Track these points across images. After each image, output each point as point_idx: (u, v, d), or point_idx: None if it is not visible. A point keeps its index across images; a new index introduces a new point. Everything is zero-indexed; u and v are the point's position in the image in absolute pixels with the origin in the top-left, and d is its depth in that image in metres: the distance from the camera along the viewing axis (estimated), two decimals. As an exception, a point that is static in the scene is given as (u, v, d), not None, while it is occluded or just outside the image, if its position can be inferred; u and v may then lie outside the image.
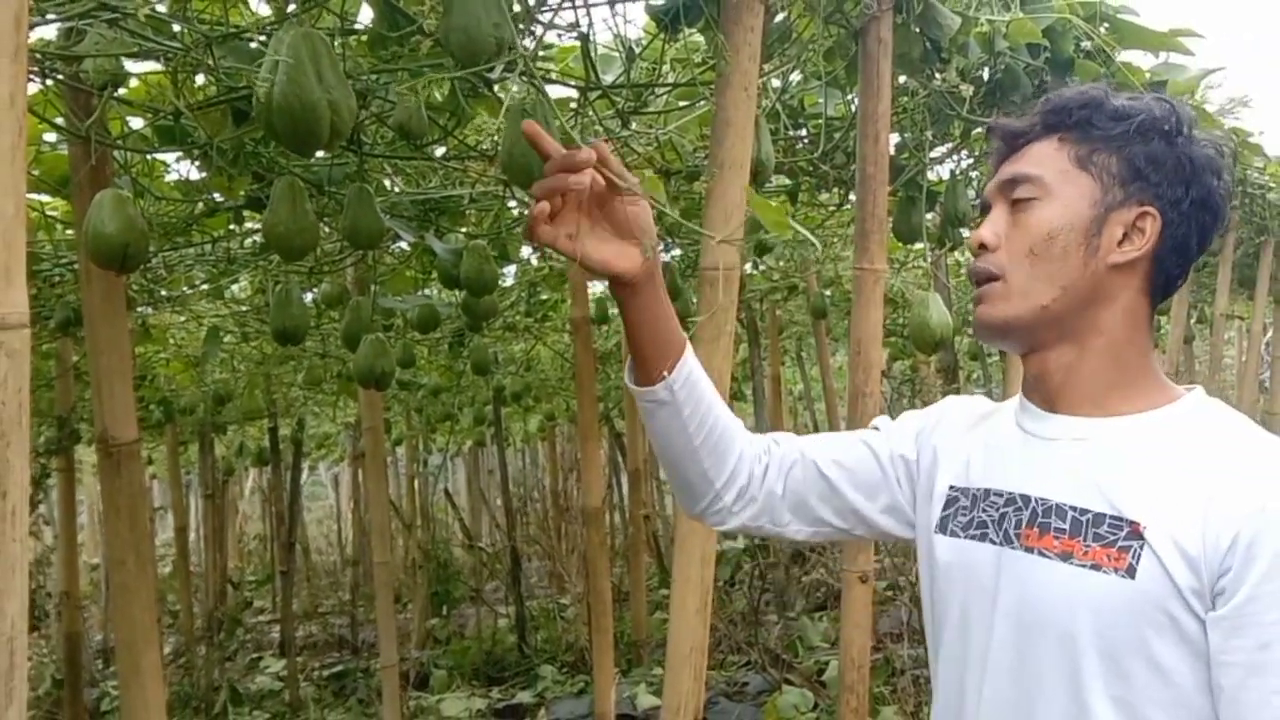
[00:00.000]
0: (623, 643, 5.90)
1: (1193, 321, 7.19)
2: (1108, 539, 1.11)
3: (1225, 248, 5.60)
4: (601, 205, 1.25)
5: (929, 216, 3.20)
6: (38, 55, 1.75)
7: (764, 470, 1.43)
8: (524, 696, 5.84)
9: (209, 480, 7.37)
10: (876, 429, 1.49)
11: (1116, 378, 1.21)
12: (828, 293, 6.47)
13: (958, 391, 7.07)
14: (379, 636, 4.53)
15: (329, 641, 8.13)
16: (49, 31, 1.85)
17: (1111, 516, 1.11)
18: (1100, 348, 1.21)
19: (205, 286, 3.42)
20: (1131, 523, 1.10)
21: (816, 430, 9.53)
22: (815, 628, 5.77)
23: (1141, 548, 1.08)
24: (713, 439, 1.39)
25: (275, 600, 8.70)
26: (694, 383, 1.35)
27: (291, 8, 1.40)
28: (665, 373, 1.32)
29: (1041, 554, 1.16)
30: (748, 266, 5.19)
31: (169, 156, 2.37)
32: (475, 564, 8.82)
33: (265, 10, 1.77)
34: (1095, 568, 1.10)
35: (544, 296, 5.05)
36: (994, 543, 1.22)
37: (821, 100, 2.87)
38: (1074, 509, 1.15)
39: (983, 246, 1.25)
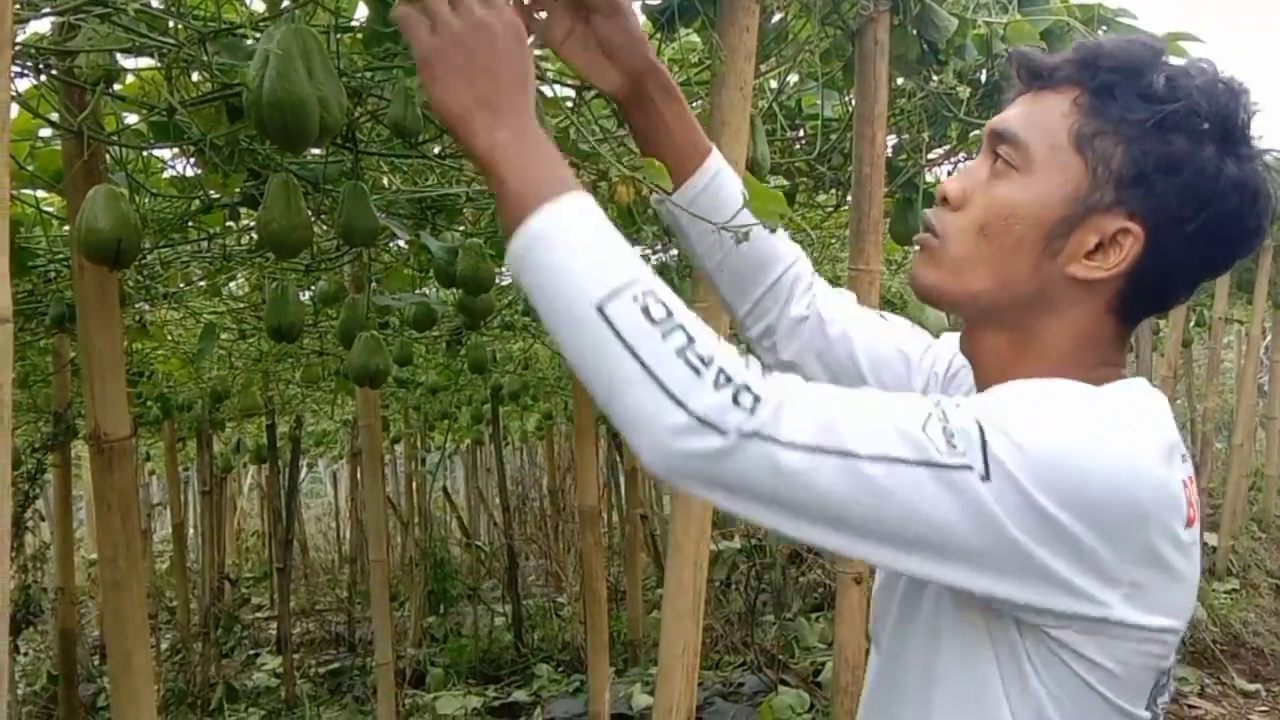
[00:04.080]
0: (619, 642, 5.90)
1: (1191, 325, 7.18)
2: None
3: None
4: (587, 19, 1.21)
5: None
6: (31, 50, 1.75)
7: (794, 327, 1.33)
8: (520, 695, 5.83)
9: (207, 477, 7.37)
10: (911, 345, 1.34)
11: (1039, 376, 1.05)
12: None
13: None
14: (375, 634, 4.53)
15: (326, 639, 8.13)
16: (43, 26, 1.85)
17: None
18: (1037, 355, 1.08)
19: (202, 283, 3.41)
20: None
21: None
22: (812, 629, 5.77)
23: None
24: (728, 266, 1.32)
25: (272, 597, 8.69)
26: (705, 201, 1.28)
27: (285, 4, 1.40)
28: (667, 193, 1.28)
29: None
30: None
31: (164, 153, 2.36)
32: (472, 562, 8.81)
33: (260, 6, 1.76)
34: None
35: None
36: None
37: (818, 101, 2.87)
38: None
39: (945, 200, 1.11)
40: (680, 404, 0.89)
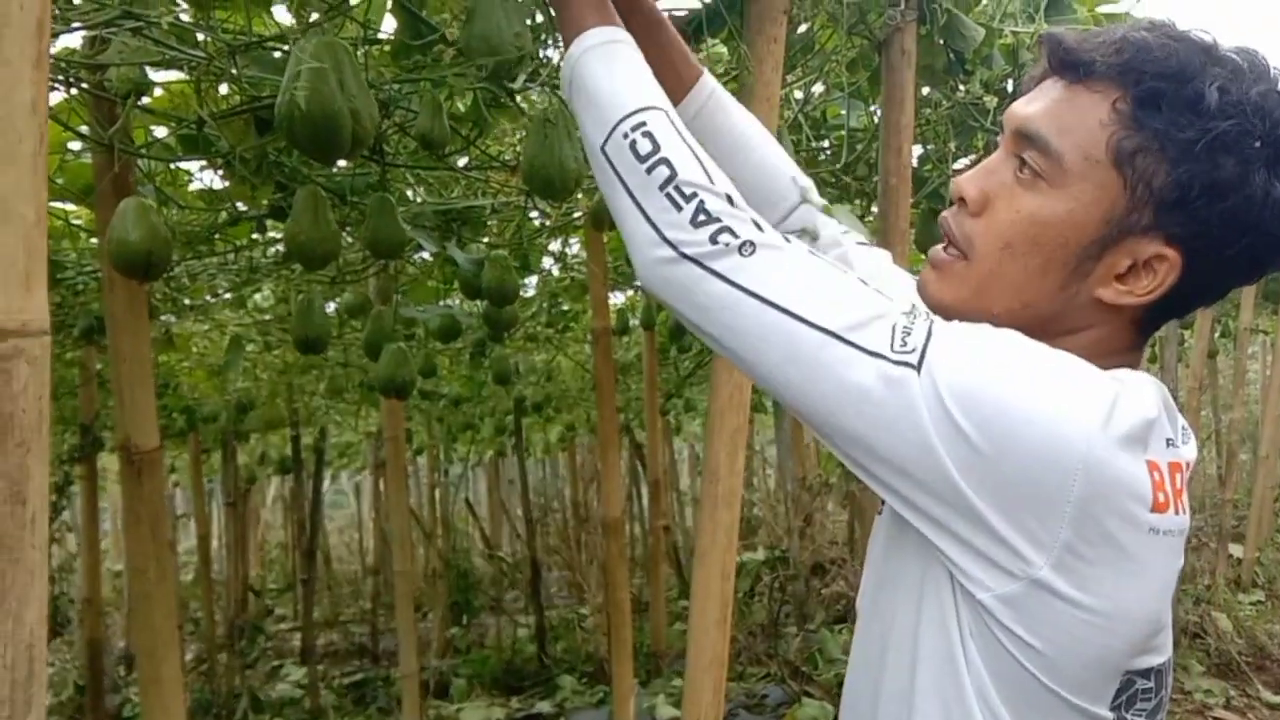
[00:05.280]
0: (642, 653, 5.88)
1: (1216, 335, 7.11)
2: None
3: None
4: None
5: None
6: (62, 64, 1.77)
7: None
8: (543, 706, 5.82)
9: (231, 488, 7.40)
10: None
11: None
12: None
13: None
14: (399, 645, 4.53)
15: (349, 650, 8.14)
16: (74, 40, 1.87)
17: None
18: None
19: (228, 295, 3.43)
20: None
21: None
22: (835, 640, 5.73)
23: None
24: (761, 157, 1.34)
25: (296, 608, 8.71)
26: (703, 124, 1.30)
27: (315, 17, 1.41)
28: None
29: None
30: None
31: (192, 165, 2.38)
32: (495, 573, 8.81)
33: (288, 19, 1.78)
34: None
35: (565, 307, 5.05)
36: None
37: (844, 111, 2.86)
38: None
39: (962, 201, 1.03)
40: (660, 233, 0.99)
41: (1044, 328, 0.98)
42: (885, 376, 0.90)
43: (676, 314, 1.02)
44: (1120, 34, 0.95)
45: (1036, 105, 0.99)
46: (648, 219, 1.00)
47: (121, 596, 8.81)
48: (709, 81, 1.34)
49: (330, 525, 12.42)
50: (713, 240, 0.97)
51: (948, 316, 1.01)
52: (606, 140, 1.05)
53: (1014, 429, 0.87)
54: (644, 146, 1.02)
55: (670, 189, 0.99)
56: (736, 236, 0.97)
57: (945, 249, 1.05)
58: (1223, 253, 0.94)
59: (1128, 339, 1.01)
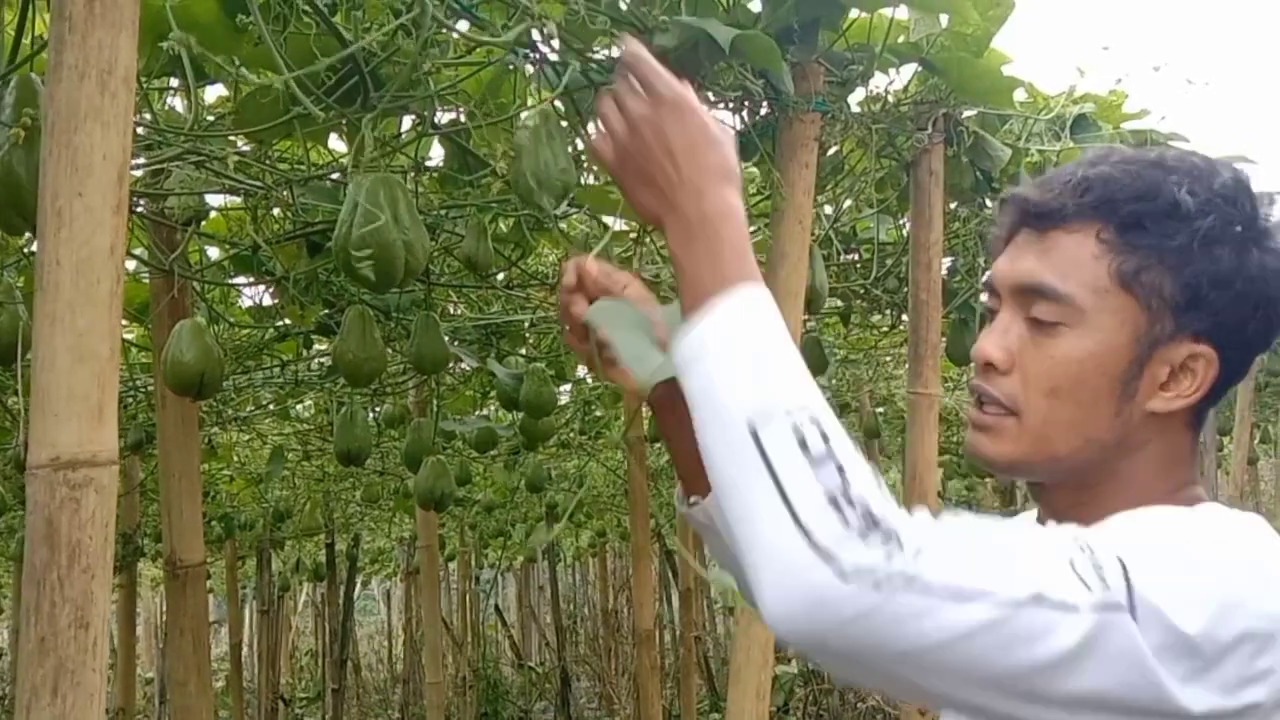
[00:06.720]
0: (674, 768, 5.76)
1: (1256, 442, 7.04)
2: None
3: (1287, 366, 5.53)
4: None
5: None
6: (127, 193, 1.85)
7: None
8: (574, 823, 5.70)
9: (266, 596, 7.40)
10: None
11: (1130, 510, 1.00)
12: (880, 410, 6.45)
13: (1015, 514, 6.96)
14: (429, 758, 4.47)
15: (378, 761, 8.03)
16: (136, 169, 1.96)
17: None
18: (1116, 490, 1.02)
19: (271, 407, 3.50)
20: None
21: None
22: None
23: None
24: None
25: (325, 718, 8.61)
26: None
27: (370, 152, 1.48)
28: (699, 496, 1.17)
29: None
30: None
31: (241, 280, 2.46)
32: (524, 683, 8.70)
33: (342, 147, 1.86)
34: None
35: (598, 414, 5.09)
36: None
37: (873, 225, 2.93)
38: None
39: (990, 365, 1.02)
40: (821, 553, 0.82)
41: (1111, 455, 1.01)
42: (1094, 631, 0.84)
43: (826, 651, 0.86)
44: (1079, 174, 0.99)
45: (1027, 261, 1.01)
46: (805, 534, 0.82)
47: (151, 705, 8.76)
48: None
49: (360, 632, 12.33)
50: (887, 557, 0.82)
51: (1013, 472, 1.04)
52: (765, 420, 0.86)
53: (1241, 629, 0.88)
54: (815, 442, 0.85)
55: (840, 498, 0.83)
56: (902, 544, 0.83)
57: (984, 410, 1.04)
58: (1245, 331, 0.99)
59: (1187, 442, 1.04)
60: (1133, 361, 0.98)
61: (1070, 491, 1.04)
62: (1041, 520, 1.09)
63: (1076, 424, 0.99)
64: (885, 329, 4.11)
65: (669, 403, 1.11)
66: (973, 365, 1.07)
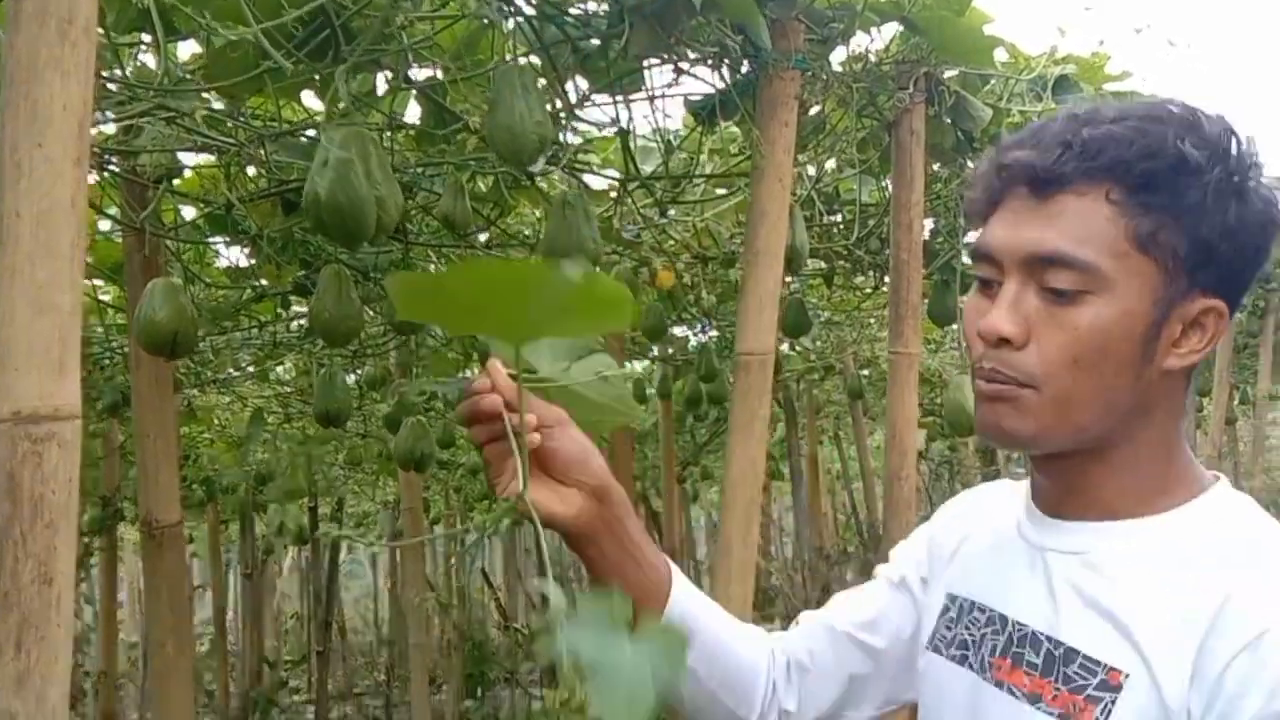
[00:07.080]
0: (659, 726, 5.82)
1: (1235, 403, 7.08)
2: (1077, 683, 0.94)
3: (1266, 329, 5.56)
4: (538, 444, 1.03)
5: (963, 299, 3.22)
6: (96, 149, 1.82)
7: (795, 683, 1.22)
8: (558, 782, 5.75)
9: (249, 559, 7.40)
10: (877, 576, 1.26)
11: (1134, 483, 1.00)
12: (864, 373, 6.47)
13: (997, 474, 6.99)
14: (413, 719, 4.50)
15: (364, 723, 8.07)
16: (107, 125, 1.93)
17: (1085, 657, 0.95)
18: (1127, 455, 1.00)
19: (250, 369, 3.48)
20: (1109, 669, 0.93)
21: (855, 509, 9.47)
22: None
23: (1113, 703, 0.91)
24: (730, 677, 1.18)
25: (311, 680, 8.65)
26: (687, 628, 1.14)
27: (342, 105, 1.46)
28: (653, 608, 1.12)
29: (1011, 691, 1.00)
30: (784, 347, 5.21)
31: (218, 242, 2.44)
32: (510, 645, 8.74)
33: (317, 104, 1.83)
34: (1063, 718, 0.94)
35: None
36: (971, 669, 1.06)
37: (855, 187, 2.92)
38: (1049, 640, 0.98)
39: (1004, 340, 0.97)
40: None
41: (1129, 419, 0.98)
42: None
43: None
44: (1084, 136, 0.95)
45: (1034, 229, 0.97)
46: None
47: (136, 669, 8.78)
48: (681, 586, 1.18)
49: (346, 596, 12.36)
50: None
51: (1034, 445, 1.01)
52: None
53: None
54: None
55: None
56: None
57: (999, 385, 1.00)
58: (1245, 277, 0.99)
59: (1182, 396, 1.02)
60: (1153, 324, 0.95)
61: (1084, 459, 1.01)
62: (1038, 502, 1.07)
63: (1099, 391, 0.96)
64: (869, 290, 4.11)
65: (581, 536, 1.08)
66: (975, 338, 1.01)
